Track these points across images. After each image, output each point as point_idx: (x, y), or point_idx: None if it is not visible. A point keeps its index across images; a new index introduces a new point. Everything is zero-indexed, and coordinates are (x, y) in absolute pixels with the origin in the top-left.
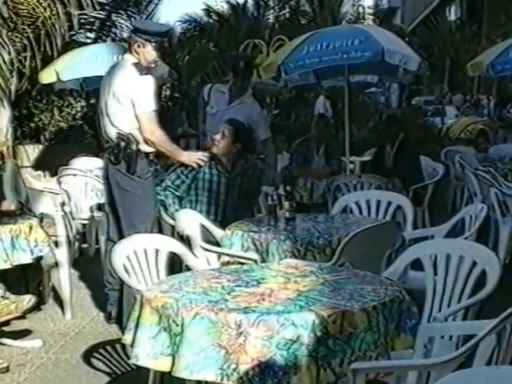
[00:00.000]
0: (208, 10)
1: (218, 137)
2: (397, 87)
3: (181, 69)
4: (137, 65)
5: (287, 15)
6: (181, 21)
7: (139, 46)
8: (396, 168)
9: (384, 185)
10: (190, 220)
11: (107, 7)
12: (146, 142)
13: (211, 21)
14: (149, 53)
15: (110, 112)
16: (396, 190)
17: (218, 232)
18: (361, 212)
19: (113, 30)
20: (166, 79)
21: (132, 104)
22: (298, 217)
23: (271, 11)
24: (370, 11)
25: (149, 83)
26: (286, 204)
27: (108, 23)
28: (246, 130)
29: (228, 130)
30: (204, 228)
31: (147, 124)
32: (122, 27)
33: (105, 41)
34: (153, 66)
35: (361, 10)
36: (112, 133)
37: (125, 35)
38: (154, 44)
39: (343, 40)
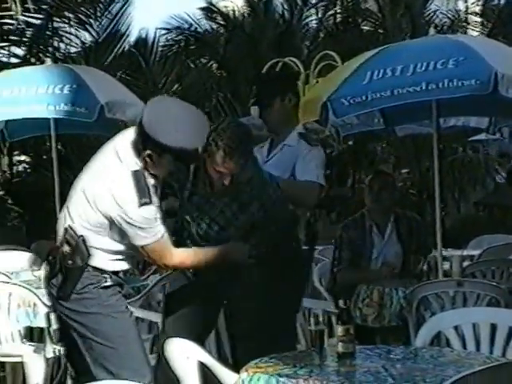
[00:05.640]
0: (210, 11)
1: None
2: None
3: None
4: (138, 174)
5: (339, 18)
6: (165, 28)
7: (150, 157)
8: None
9: (503, 297)
10: (181, 355)
11: (45, 7)
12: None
13: (215, 27)
14: (165, 166)
15: (72, 202)
16: None
17: (226, 375)
18: (464, 344)
19: (55, 43)
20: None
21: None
22: (358, 351)
23: (313, 10)
24: (477, 9)
25: (152, 212)
26: (340, 329)
27: (47, 32)
28: None
29: None
30: (204, 368)
31: (158, 254)
32: (69, 39)
33: (41, 60)
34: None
35: (461, 6)
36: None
37: (73, 50)
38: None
39: (430, 61)
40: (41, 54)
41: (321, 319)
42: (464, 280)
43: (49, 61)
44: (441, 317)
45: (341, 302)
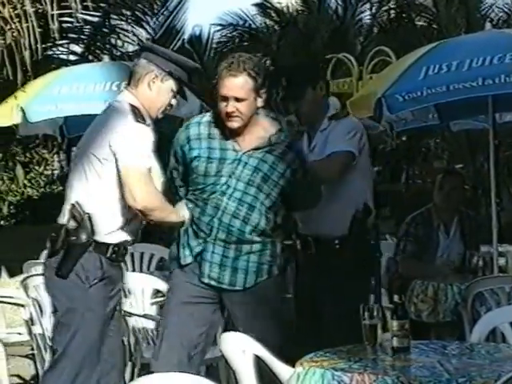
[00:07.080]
0: (264, 7)
1: None
2: None
3: None
4: (136, 110)
5: (392, 13)
6: (219, 24)
7: (155, 78)
8: None
9: None
10: (237, 348)
11: (103, 4)
12: (141, 213)
13: (269, 23)
14: (167, 92)
15: (72, 179)
16: None
17: (282, 369)
18: None
19: (112, 40)
20: None
21: (114, 160)
22: (413, 346)
23: (367, 6)
24: None
25: (147, 135)
26: (395, 324)
27: (105, 30)
28: None
29: None
30: (260, 362)
31: (136, 182)
32: (126, 36)
33: (99, 58)
34: (160, 115)
35: None
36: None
37: (130, 49)
38: (177, 80)
39: (486, 56)
40: (98, 52)
41: (375, 313)
42: None
43: (106, 58)
44: (497, 312)
45: (396, 297)
